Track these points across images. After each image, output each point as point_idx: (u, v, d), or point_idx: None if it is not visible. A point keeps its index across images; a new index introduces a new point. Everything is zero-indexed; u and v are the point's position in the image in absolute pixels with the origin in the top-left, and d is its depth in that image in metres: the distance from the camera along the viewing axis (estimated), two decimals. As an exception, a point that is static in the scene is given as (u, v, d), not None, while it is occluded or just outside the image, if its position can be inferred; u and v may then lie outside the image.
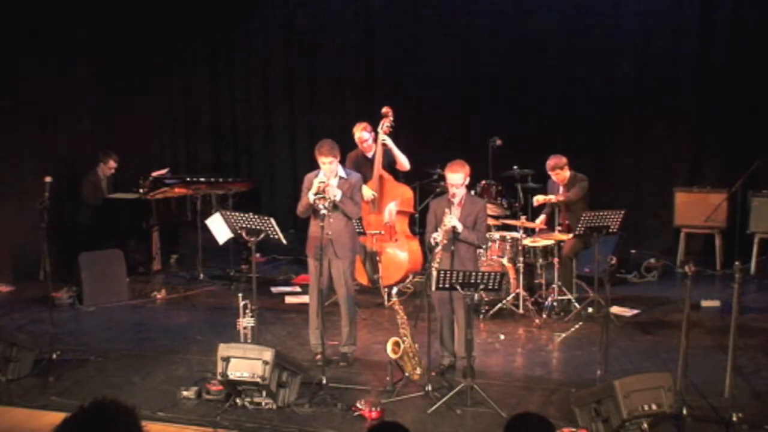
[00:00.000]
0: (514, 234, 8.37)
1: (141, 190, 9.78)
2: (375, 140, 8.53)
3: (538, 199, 8.42)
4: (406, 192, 8.90)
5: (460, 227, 6.31)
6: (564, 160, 8.35)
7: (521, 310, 8.09)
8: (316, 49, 11.76)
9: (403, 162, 8.66)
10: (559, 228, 8.45)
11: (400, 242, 8.77)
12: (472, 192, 8.09)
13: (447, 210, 6.30)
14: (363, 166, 8.34)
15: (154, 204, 9.77)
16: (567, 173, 8.37)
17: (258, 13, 11.98)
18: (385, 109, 8.48)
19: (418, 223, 9.60)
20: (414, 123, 11.37)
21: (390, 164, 8.65)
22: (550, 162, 8.35)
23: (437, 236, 6.26)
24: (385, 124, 8.45)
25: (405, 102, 11.37)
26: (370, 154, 8.58)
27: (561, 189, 8.42)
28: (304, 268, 8.43)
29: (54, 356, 6.63)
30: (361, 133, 8.46)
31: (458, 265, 6.29)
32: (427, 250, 6.52)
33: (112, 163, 10.06)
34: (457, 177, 6.36)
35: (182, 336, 7.68)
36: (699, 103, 10.49)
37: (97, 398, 2.38)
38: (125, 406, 2.39)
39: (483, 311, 8.05)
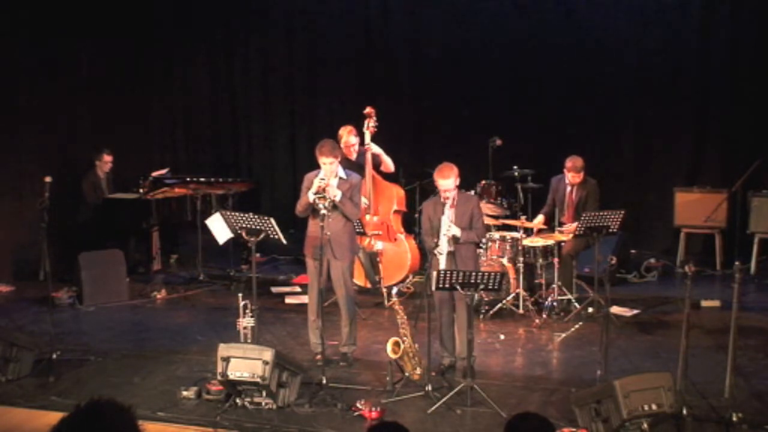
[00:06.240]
0: (514, 234, 8.37)
1: (141, 190, 9.78)
2: (361, 143, 8.51)
3: (567, 230, 8.24)
4: (399, 191, 8.95)
5: (459, 234, 6.36)
6: (582, 162, 8.32)
7: (521, 310, 8.09)
8: (316, 49, 11.77)
9: (389, 165, 8.68)
10: (559, 228, 8.45)
11: (399, 242, 8.79)
12: (472, 192, 8.11)
13: (445, 218, 6.33)
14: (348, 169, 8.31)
15: (154, 204, 9.77)
16: (581, 175, 8.36)
17: (258, 13, 11.98)
18: (368, 110, 8.45)
19: (418, 224, 9.61)
20: (414, 123, 11.42)
21: (375, 167, 8.64)
22: (569, 163, 8.30)
23: (442, 248, 6.30)
24: (370, 124, 8.43)
25: (405, 102, 11.43)
26: (353, 157, 8.52)
27: (569, 189, 8.41)
28: (304, 268, 8.39)
29: (54, 356, 6.63)
30: (348, 137, 8.38)
31: (460, 265, 6.32)
32: (428, 253, 6.54)
33: (106, 158, 10.02)
34: (448, 182, 6.37)
35: (182, 336, 7.68)
36: (699, 103, 10.49)
37: (94, 398, 2.37)
38: (122, 406, 2.38)
39: (483, 311, 8.05)
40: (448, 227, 6.31)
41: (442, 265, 6.30)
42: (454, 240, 6.37)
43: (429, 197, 6.71)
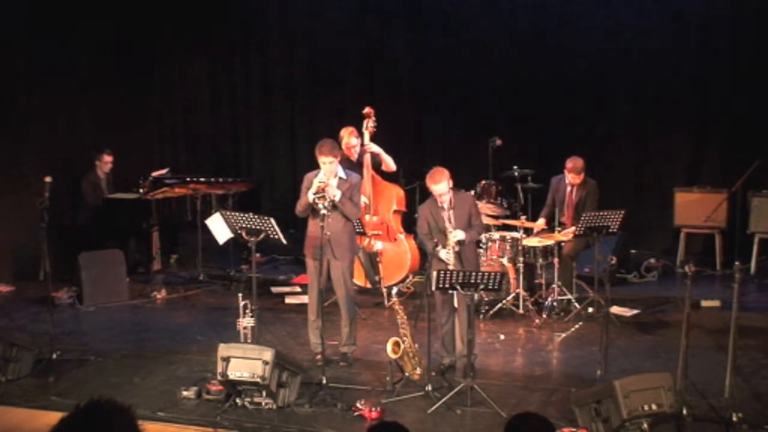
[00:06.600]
0: (514, 234, 8.37)
1: (141, 190, 9.78)
2: (362, 144, 8.51)
3: (567, 232, 8.25)
4: (399, 191, 8.95)
5: (463, 237, 6.39)
6: (583, 163, 8.31)
7: (521, 310, 8.09)
8: (316, 49, 11.76)
9: (390, 164, 8.66)
10: (559, 228, 8.45)
11: (399, 242, 8.79)
12: (472, 192, 8.11)
13: (447, 227, 6.35)
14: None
15: (154, 204, 9.77)
16: (581, 176, 8.35)
17: (258, 13, 11.98)
18: (367, 110, 8.45)
19: (418, 224, 9.61)
20: (414, 123, 11.42)
21: (376, 166, 8.64)
22: (570, 164, 8.29)
23: (449, 258, 6.33)
24: (369, 124, 8.43)
25: (405, 102, 11.43)
26: (354, 159, 8.52)
27: (569, 189, 8.41)
28: (304, 268, 8.40)
29: (54, 356, 6.64)
30: (349, 138, 8.36)
31: (464, 265, 6.37)
32: (429, 257, 6.57)
33: (107, 158, 10.02)
34: (441, 187, 6.39)
35: (182, 336, 7.69)
36: (699, 103, 10.49)
37: (94, 398, 2.37)
38: (121, 406, 2.38)
39: (483, 311, 8.05)
40: (454, 235, 6.35)
41: (451, 267, 6.33)
42: (460, 243, 6.40)
43: (427, 198, 6.70)
